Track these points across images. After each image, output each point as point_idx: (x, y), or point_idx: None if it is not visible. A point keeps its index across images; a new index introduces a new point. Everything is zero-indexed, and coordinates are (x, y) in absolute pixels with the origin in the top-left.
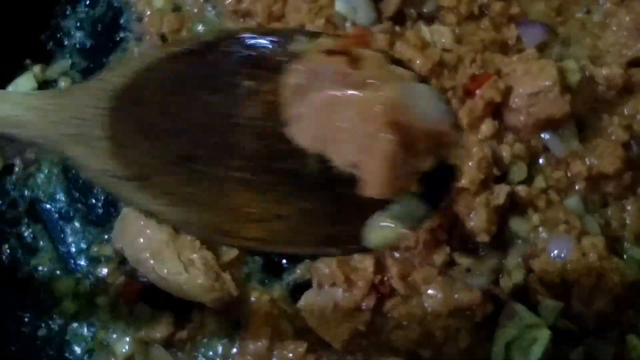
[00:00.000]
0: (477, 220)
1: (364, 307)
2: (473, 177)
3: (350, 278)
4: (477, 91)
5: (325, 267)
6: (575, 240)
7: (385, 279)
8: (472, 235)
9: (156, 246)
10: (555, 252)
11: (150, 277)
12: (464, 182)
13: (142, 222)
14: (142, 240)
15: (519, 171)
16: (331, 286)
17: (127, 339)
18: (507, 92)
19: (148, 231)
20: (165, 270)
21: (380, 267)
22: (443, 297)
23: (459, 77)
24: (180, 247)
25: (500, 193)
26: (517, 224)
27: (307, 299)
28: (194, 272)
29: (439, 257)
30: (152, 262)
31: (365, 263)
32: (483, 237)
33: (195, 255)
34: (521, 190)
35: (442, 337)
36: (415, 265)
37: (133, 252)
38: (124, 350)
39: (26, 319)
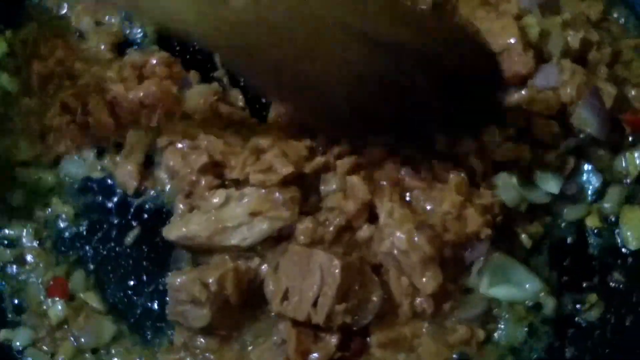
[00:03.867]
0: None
1: None
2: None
3: (308, 349)
4: None
5: (285, 331)
6: None
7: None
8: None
9: None
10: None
11: None
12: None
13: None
14: None
15: None
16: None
17: (59, 305)
18: None
19: None
20: None
21: (346, 344)
22: (436, 349)
23: None
24: None
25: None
26: None
27: (262, 351)
28: None
29: (448, 305)
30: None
31: (329, 338)
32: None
33: None
34: None
35: None
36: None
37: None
38: (57, 314)
39: None
